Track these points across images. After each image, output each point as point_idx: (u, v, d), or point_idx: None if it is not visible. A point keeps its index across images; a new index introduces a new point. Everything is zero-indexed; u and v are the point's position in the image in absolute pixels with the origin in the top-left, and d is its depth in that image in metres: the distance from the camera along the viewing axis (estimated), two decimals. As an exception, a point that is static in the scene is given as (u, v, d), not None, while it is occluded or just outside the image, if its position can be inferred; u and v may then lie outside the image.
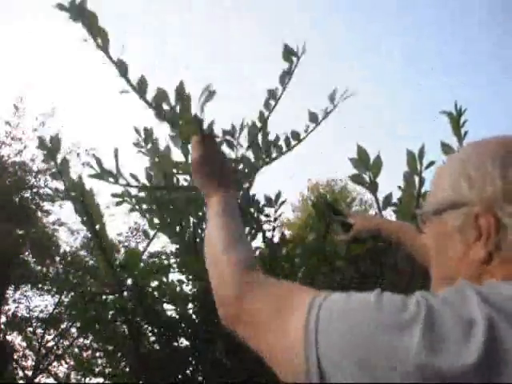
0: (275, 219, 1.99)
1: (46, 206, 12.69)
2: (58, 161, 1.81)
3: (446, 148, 1.71)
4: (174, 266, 2.01)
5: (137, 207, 1.98)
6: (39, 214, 12.58)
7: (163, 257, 2.00)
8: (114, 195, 1.96)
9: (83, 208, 1.75)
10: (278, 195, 1.99)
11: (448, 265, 0.77)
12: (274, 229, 1.97)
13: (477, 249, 0.73)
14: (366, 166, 1.65)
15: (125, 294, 1.85)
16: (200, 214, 1.90)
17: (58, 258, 12.24)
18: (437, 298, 0.63)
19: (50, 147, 1.82)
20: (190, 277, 1.93)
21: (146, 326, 1.96)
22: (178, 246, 1.97)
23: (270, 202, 1.98)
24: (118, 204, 1.97)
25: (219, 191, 0.98)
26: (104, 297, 2.03)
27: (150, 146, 1.89)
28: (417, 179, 1.71)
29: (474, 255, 0.73)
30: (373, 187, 1.67)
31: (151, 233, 2.09)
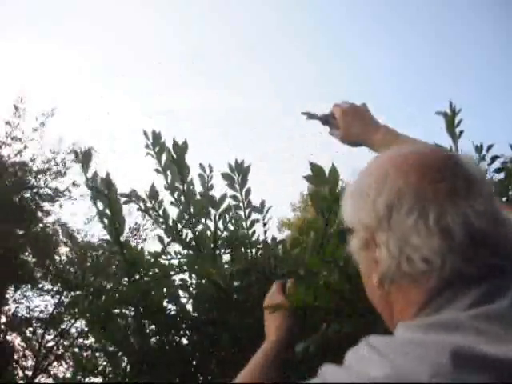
0: (264, 224, 2.04)
1: (46, 206, 12.72)
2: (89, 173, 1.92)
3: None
4: (176, 265, 2.03)
5: (143, 208, 2.02)
6: (39, 213, 12.60)
7: (168, 256, 2.02)
8: (122, 195, 1.99)
9: (107, 203, 1.83)
10: (263, 203, 2.05)
11: (365, 286, 0.79)
12: (265, 232, 2.02)
13: (374, 275, 0.73)
14: (322, 180, 1.56)
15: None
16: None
17: (58, 258, 12.26)
18: (333, 369, 0.65)
19: (83, 160, 1.94)
20: (193, 275, 1.95)
21: (148, 323, 1.98)
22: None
23: (256, 209, 2.03)
24: (125, 203, 2.01)
25: (274, 342, 1.15)
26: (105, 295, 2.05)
27: (157, 148, 1.95)
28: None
29: (374, 281, 0.73)
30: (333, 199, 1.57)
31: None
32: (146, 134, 1.97)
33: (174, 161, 1.90)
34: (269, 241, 2.01)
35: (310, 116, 1.39)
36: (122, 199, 1.95)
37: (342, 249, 1.62)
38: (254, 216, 2.04)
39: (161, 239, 2.00)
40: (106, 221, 1.91)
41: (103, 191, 1.83)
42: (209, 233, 2.05)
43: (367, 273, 0.76)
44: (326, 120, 1.36)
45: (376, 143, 1.22)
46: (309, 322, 1.28)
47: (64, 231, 12.58)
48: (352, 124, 1.28)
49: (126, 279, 1.92)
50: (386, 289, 0.73)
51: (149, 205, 2.00)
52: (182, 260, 2.00)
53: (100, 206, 1.91)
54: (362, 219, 0.73)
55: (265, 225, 2.03)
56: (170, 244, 2.08)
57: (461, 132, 1.78)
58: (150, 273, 1.93)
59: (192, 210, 1.96)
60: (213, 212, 2.01)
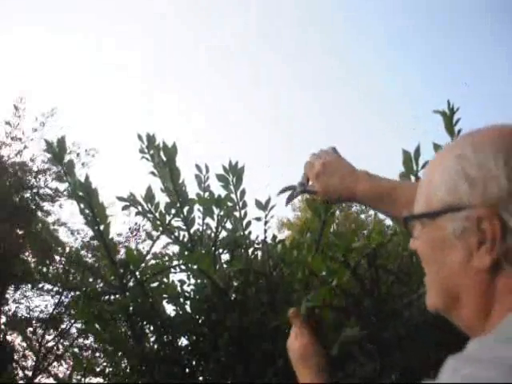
0: (266, 222, 2.03)
1: (46, 206, 12.72)
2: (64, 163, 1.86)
3: (439, 149, 1.73)
4: (176, 266, 2.04)
5: (141, 210, 2.02)
6: (39, 213, 12.59)
7: (165, 258, 2.03)
8: (120, 199, 2.00)
9: (89, 208, 1.80)
10: (268, 200, 2.03)
11: (445, 275, 0.71)
12: (265, 231, 2.02)
13: (481, 256, 0.66)
14: None
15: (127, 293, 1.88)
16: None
17: (58, 258, 12.24)
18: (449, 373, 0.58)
19: (56, 150, 1.87)
20: (192, 276, 1.95)
21: (147, 325, 1.98)
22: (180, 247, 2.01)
23: (260, 205, 2.02)
24: (124, 208, 2.01)
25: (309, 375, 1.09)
26: (107, 297, 2.06)
27: (152, 151, 1.95)
28: (413, 179, 1.73)
29: (479, 263, 0.66)
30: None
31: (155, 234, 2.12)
32: (140, 137, 1.97)
33: (164, 163, 1.90)
34: (269, 240, 2.01)
35: (286, 190, 1.30)
36: (121, 204, 1.94)
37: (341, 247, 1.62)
38: (255, 214, 2.04)
39: (150, 236, 1.99)
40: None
41: (84, 196, 1.80)
42: (208, 231, 2.05)
43: (465, 256, 0.68)
44: (304, 189, 1.25)
45: (359, 194, 1.14)
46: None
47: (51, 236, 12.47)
48: (328, 183, 1.17)
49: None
50: (493, 274, 0.65)
51: (145, 207, 2.00)
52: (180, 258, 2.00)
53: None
54: (483, 194, 0.66)
55: (266, 223, 2.03)
56: (168, 245, 2.08)
57: (459, 131, 1.79)
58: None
59: (185, 211, 1.96)
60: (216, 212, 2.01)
